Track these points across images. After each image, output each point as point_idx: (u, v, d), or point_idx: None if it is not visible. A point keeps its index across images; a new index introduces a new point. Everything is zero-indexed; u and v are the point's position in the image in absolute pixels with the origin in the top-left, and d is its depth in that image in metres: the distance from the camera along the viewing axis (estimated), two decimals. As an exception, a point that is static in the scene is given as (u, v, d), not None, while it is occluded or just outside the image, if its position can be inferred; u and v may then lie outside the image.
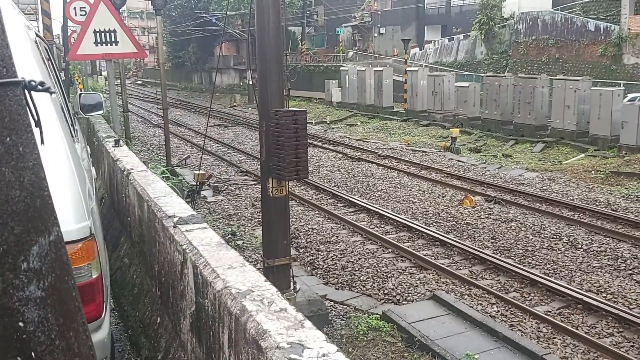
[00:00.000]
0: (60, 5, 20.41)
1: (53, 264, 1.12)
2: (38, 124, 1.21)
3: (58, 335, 1.07)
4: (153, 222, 3.66)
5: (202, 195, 13.78)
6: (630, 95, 19.51)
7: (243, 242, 10.49)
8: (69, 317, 1.12)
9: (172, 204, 3.60)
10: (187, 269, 2.83)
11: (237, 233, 10.97)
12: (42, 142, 1.27)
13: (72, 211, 2.42)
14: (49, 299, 1.08)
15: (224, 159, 18.94)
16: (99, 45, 8.41)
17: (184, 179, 15.22)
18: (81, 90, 20.33)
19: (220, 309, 2.27)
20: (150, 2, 14.12)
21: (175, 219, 3.27)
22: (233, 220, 12.01)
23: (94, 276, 2.50)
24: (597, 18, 28.68)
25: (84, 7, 14.19)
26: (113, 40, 8.46)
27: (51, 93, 1.74)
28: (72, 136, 3.02)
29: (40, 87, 1.28)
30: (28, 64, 2.49)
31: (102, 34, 8.39)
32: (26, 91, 1.20)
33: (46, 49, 3.88)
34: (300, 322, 1.88)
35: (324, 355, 1.67)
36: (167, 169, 12.47)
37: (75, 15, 14.33)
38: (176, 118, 30.63)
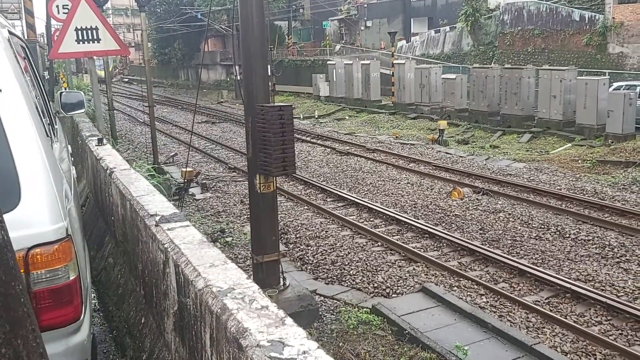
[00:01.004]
0: (44, 4, 20.18)
1: None
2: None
3: (4, 343, 1.03)
4: (135, 221, 3.62)
5: (190, 193, 13.71)
6: (615, 84, 19.66)
7: (232, 239, 10.45)
8: (17, 323, 1.08)
9: (155, 202, 3.56)
10: (169, 267, 2.80)
11: (226, 230, 10.91)
12: None
13: (48, 212, 2.38)
14: None
15: (212, 156, 18.86)
16: (81, 43, 8.31)
17: (171, 176, 15.13)
18: (65, 89, 20.14)
19: (201, 307, 2.24)
20: (133, -2, 13.99)
21: (157, 218, 3.23)
22: (222, 217, 11.96)
23: (71, 277, 2.46)
24: (582, 8, 28.81)
25: (67, 5, 13.98)
26: (95, 37, 8.37)
27: None
28: (48, 136, 2.97)
29: None
30: None
31: (84, 32, 8.29)
32: None
33: (23, 47, 3.82)
34: (282, 320, 1.85)
35: (304, 352, 1.65)
36: (153, 167, 12.38)
37: (58, 13, 14.14)
38: (163, 115, 30.46)
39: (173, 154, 18.63)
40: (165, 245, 2.85)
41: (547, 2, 30.65)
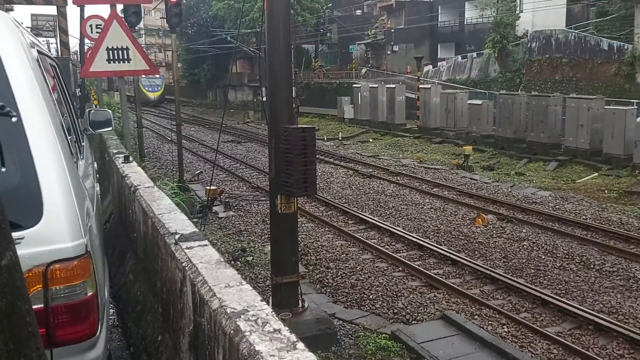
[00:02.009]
0: (78, 23, 20.74)
1: (4, 289, 1.11)
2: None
3: None
4: (156, 238, 3.67)
5: (213, 211, 13.81)
6: (644, 114, 19.37)
7: (253, 259, 10.46)
8: (22, 342, 1.10)
9: (175, 221, 3.61)
10: (186, 286, 2.83)
11: (247, 249, 10.95)
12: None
13: (68, 229, 2.44)
14: None
15: (236, 175, 19.01)
16: (112, 62, 8.52)
17: (196, 194, 15.27)
18: (96, 106, 20.55)
19: (215, 328, 2.26)
20: (165, 20, 14.30)
21: (176, 236, 3.28)
22: (243, 236, 12.01)
23: (89, 294, 2.50)
24: (611, 37, 28.59)
25: (100, 25, 14.34)
26: (125, 57, 8.57)
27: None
28: (73, 154, 3.05)
29: None
30: (19, 84, 2.53)
31: (115, 52, 8.50)
32: None
33: (53, 66, 3.93)
34: (293, 344, 1.86)
35: (314, 378, 1.65)
36: (177, 185, 12.53)
37: (92, 32, 14.50)
38: (190, 134, 30.86)
39: (198, 172, 18.82)
40: (183, 264, 2.89)
41: (576, 31, 30.50)
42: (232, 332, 2.04)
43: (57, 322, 2.43)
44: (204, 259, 2.84)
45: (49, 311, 2.41)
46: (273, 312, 2.12)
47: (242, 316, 2.10)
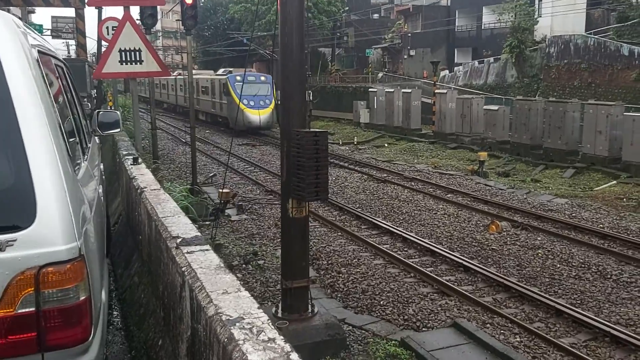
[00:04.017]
0: (96, 25, 20.93)
1: None
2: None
3: None
4: (159, 242, 3.62)
5: (226, 214, 13.79)
6: (664, 122, 19.04)
7: (264, 262, 10.42)
8: None
9: (178, 225, 3.56)
10: (185, 292, 2.77)
11: (259, 253, 10.90)
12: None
13: (61, 232, 2.40)
14: None
15: (250, 178, 18.99)
16: (124, 64, 8.53)
17: (209, 196, 15.26)
18: (110, 107, 20.68)
19: (210, 335, 2.20)
20: (181, 22, 14.33)
21: (178, 240, 3.22)
22: (255, 240, 11.96)
23: (81, 298, 2.46)
24: (632, 42, 28.22)
25: (116, 27, 14.45)
26: (138, 59, 8.58)
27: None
28: (72, 156, 3.02)
29: None
30: (17, 85, 2.51)
31: (127, 53, 8.51)
32: None
33: (60, 67, 3.90)
34: (287, 354, 1.79)
35: (307, 391, 1.58)
36: (191, 188, 12.52)
37: (108, 34, 14.56)
38: (205, 136, 30.92)
39: (212, 174, 18.83)
40: (183, 269, 2.83)
41: (595, 37, 30.14)
42: (225, 340, 1.97)
43: (49, 326, 2.40)
44: (204, 264, 2.78)
45: (41, 315, 2.38)
46: (269, 321, 2.05)
47: (237, 324, 2.04)
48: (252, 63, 55.23)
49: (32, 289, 2.35)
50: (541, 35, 34.81)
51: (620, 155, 18.94)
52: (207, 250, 3.04)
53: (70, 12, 27.10)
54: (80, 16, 20.15)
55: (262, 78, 32.37)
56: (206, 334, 2.29)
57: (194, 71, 33.85)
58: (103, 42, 17.94)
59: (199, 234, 3.39)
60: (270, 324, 2.03)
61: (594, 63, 29.24)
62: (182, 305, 2.86)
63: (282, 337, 1.90)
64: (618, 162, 19.00)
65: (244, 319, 2.08)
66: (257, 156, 24.45)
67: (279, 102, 7.25)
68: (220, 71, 37.50)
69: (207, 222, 11.83)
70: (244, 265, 10.13)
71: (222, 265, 2.76)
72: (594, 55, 29.32)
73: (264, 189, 17.31)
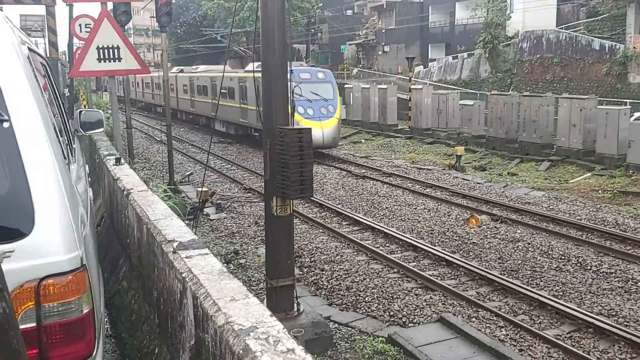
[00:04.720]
0: (67, 22, 20.48)
1: None
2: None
3: None
4: (152, 246, 3.51)
5: (205, 213, 13.63)
6: (636, 114, 19.39)
7: (246, 261, 10.33)
8: None
9: (172, 227, 3.45)
10: (187, 299, 2.67)
11: (240, 251, 10.80)
12: None
13: (62, 240, 2.25)
14: None
15: (228, 176, 18.82)
16: (103, 61, 8.33)
17: (186, 195, 15.08)
18: (85, 107, 20.28)
19: (221, 346, 2.11)
20: (155, 19, 14.11)
21: (175, 244, 3.12)
22: (236, 239, 11.86)
23: (84, 311, 2.32)
24: (602, 37, 28.69)
25: (89, 24, 14.09)
26: (116, 56, 8.38)
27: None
28: (66, 157, 2.87)
29: None
30: (12, 82, 2.35)
31: (106, 51, 8.31)
32: None
33: (44, 65, 3.76)
34: (309, 365, 1.73)
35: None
36: (169, 187, 12.34)
37: (81, 32, 14.25)
38: (180, 134, 30.57)
39: (189, 173, 18.61)
40: (183, 275, 2.74)
41: (567, 31, 30.57)
42: (240, 351, 1.90)
43: (51, 341, 2.24)
44: (206, 269, 2.69)
45: (42, 330, 2.23)
46: (284, 330, 1.98)
47: (252, 334, 1.96)
48: (226, 60, 54.75)
49: (33, 303, 2.20)
50: (514, 31, 35.17)
51: (594, 147, 19.23)
52: (206, 254, 2.94)
53: (40, 10, 26.50)
54: (51, 14, 19.73)
55: (321, 75, 22.98)
56: (215, 345, 2.20)
57: (209, 68, 32.45)
58: (75, 40, 17.57)
59: (195, 237, 3.29)
60: (287, 332, 1.97)
61: (565, 57, 29.66)
62: (184, 313, 2.77)
63: (301, 347, 1.83)
64: (592, 155, 19.29)
65: (257, 328, 2.00)
66: (234, 154, 24.25)
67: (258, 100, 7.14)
68: (249, 67, 25.82)
69: (186, 222, 11.67)
70: (225, 265, 10.02)
71: (225, 270, 2.68)
72: (565, 49, 29.73)
73: (242, 186, 17.17)
